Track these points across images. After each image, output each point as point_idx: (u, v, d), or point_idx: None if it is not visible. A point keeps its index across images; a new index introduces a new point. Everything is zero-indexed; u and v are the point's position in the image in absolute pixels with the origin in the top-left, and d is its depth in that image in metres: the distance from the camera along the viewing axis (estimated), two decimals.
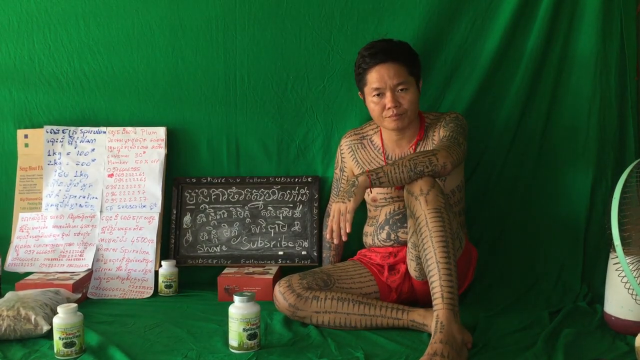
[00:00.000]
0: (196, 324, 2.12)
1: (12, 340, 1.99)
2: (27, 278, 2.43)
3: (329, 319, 2.07)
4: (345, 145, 2.44)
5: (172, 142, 2.66)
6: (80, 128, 2.66)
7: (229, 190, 2.66)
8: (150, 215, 2.59)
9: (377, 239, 2.31)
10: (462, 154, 2.14)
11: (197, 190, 2.66)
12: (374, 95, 2.21)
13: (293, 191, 2.63)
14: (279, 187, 2.64)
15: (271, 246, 2.59)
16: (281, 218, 2.62)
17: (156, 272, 2.51)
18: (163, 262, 2.49)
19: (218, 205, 2.65)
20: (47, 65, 2.63)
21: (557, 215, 2.51)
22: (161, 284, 2.49)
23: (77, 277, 2.41)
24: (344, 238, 2.00)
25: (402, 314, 2.05)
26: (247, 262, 2.57)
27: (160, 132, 2.64)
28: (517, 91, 2.49)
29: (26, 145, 2.65)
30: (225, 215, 2.64)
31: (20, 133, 2.65)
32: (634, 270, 1.87)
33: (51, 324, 1.92)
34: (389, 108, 2.19)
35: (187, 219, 2.65)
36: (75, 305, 1.89)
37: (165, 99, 2.64)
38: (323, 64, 2.57)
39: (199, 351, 1.89)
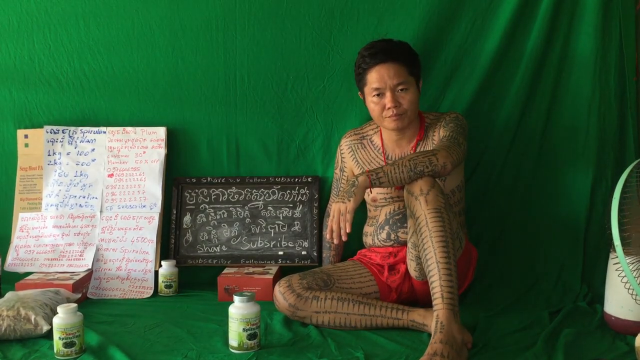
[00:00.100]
0: (196, 324, 2.12)
1: (12, 340, 1.98)
2: (27, 278, 2.43)
3: (329, 319, 2.07)
4: (345, 145, 2.44)
5: (172, 142, 2.66)
6: (80, 128, 2.66)
7: (229, 190, 2.66)
8: (150, 215, 2.59)
9: (377, 239, 2.31)
10: (462, 154, 2.14)
11: (197, 190, 2.66)
12: (374, 95, 2.21)
13: (293, 191, 2.63)
14: (279, 187, 2.64)
15: (271, 246, 2.59)
16: (281, 218, 2.62)
17: (156, 272, 2.51)
18: (163, 262, 2.49)
19: (218, 205, 2.65)
20: (47, 65, 2.63)
21: (557, 215, 2.51)
22: (161, 284, 2.49)
23: (77, 277, 2.41)
24: (344, 238, 2.00)
25: (402, 314, 2.04)
26: (247, 262, 2.57)
27: (160, 132, 2.64)
28: (517, 91, 2.49)
29: (26, 145, 2.65)
30: (225, 215, 2.64)
31: (20, 133, 2.65)
32: (634, 270, 1.87)
33: (51, 324, 1.92)
34: (389, 108, 2.19)
35: (187, 219, 2.64)
36: (75, 305, 1.89)
37: (165, 99, 2.64)
38: (323, 64, 2.57)
39: (199, 351, 1.89)
